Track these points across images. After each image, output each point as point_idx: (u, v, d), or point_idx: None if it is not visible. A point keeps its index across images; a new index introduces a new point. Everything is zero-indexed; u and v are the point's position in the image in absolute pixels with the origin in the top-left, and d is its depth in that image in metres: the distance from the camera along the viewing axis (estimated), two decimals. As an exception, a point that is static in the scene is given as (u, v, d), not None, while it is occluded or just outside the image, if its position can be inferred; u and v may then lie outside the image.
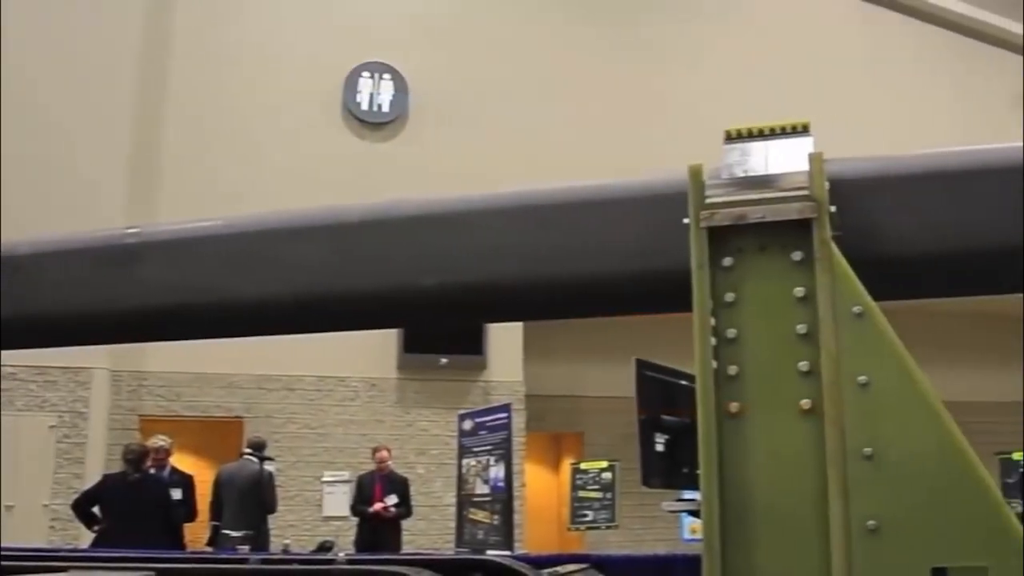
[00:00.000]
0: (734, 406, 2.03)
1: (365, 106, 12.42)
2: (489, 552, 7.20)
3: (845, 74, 12.84)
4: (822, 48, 13.09)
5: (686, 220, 2.11)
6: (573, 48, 12.98)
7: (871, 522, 1.91)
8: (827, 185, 2.06)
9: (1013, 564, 1.85)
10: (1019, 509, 8.21)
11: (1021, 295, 2.58)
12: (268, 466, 9.68)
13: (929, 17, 12.52)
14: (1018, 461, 9.91)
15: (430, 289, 2.52)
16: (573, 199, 2.50)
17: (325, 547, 9.14)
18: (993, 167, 2.44)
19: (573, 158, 11.53)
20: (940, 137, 10.69)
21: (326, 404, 11.70)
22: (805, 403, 1.99)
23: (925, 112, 12.42)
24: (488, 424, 8.75)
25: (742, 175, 2.18)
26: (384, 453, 10.35)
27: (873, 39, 13.27)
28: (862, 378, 1.95)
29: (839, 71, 12.84)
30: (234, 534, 8.66)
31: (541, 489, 14.34)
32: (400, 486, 10.33)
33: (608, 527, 11.63)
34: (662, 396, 4.34)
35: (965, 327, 12.91)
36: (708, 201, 2.11)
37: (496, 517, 8.41)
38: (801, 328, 2.02)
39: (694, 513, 3.47)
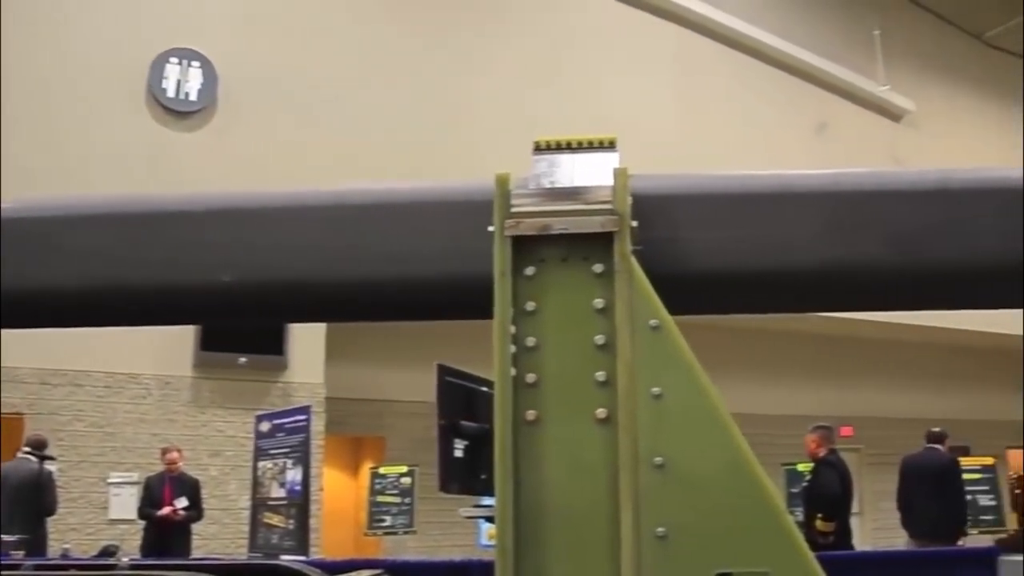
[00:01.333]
0: (531, 413, 2.04)
1: (172, 93, 11.91)
2: (283, 557, 7.06)
3: (656, 93, 13.25)
4: (637, 67, 13.44)
5: (491, 228, 2.11)
6: (389, 43, 12.90)
7: (660, 529, 1.95)
8: (630, 200, 2.10)
9: (792, 568, 1.94)
10: (800, 517, 8.66)
11: (814, 314, 2.71)
12: (48, 465, 9.19)
13: (740, 46, 13.11)
14: (803, 472, 10.42)
15: (228, 286, 2.43)
16: (380, 200, 2.46)
17: (109, 551, 8.72)
18: (792, 191, 2.57)
19: (383, 156, 11.47)
20: (745, 160, 11.19)
21: (115, 402, 11.17)
22: (601, 412, 2.02)
23: (731, 135, 12.93)
24: (287, 426, 8.59)
25: (548, 186, 2.20)
26: (174, 454, 10.00)
27: (686, 62, 13.76)
28: (656, 389, 2.00)
29: (652, 90, 13.24)
30: (8, 538, 8.16)
31: (339, 493, 14.17)
32: (191, 488, 10.00)
33: (406, 532, 11.62)
34: (463, 402, 4.36)
35: (755, 343, 13.51)
36: (514, 210, 2.12)
37: (291, 521, 8.26)
38: (599, 339, 2.05)
39: (491, 519, 3.48)
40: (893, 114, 14.69)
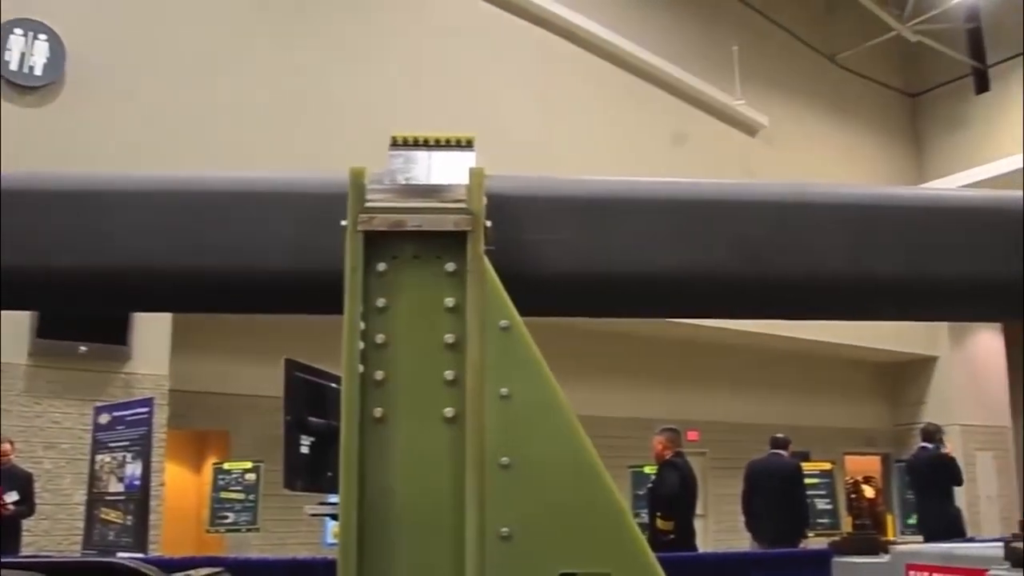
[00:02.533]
0: (378, 411, 2.02)
1: (15, 66, 11.35)
2: (120, 554, 6.82)
3: (518, 95, 13.31)
4: (499, 68, 13.47)
5: (344, 222, 2.08)
6: (247, 29, 12.61)
7: (504, 529, 1.95)
8: (485, 200, 2.10)
9: (633, 569, 1.97)
10: (644, 519, 8.85)
11: (663, 319, 2.75)
12: None
13: (602, 52, 13.29)
14: (649, 474, 10.63)
15: (66, 271, 2.32)
16: (229, 188, 2.39)
17: (-71, 547, 8.28)
18: (646, 198, 2.61)
19: (238, 145, 11.20)
20: (603, 165, 11.36)
21: (-57, 389, 10.61)
22: (448, 412, 2.01)
23: (590, 140, 13.09)
24: (127, 419, 8.32)
25: (404, 182, 2.18)
26: (5, 446, 9.55)
27: (548, 65, 13.86)
28: (504, 390, 2.00)
29: (514, 91, 13.30)
30: None
31: (181, 489, 13.79)
32: (22, 482, 9.57)
33: (249, 530, 11.38)
34: (311, 398, 4.29)
35: (606, 346, 13.74)
36: (367, 205, 2.09)
37: (129, 517, 8.01)
38: (449, 338, 2.04)
39: (336, 517, 3.42)
40: (748, 128, 15.16)
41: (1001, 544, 2.41)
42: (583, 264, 2.43)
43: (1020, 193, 3.17)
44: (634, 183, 2.68)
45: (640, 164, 11.96)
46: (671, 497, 8.42)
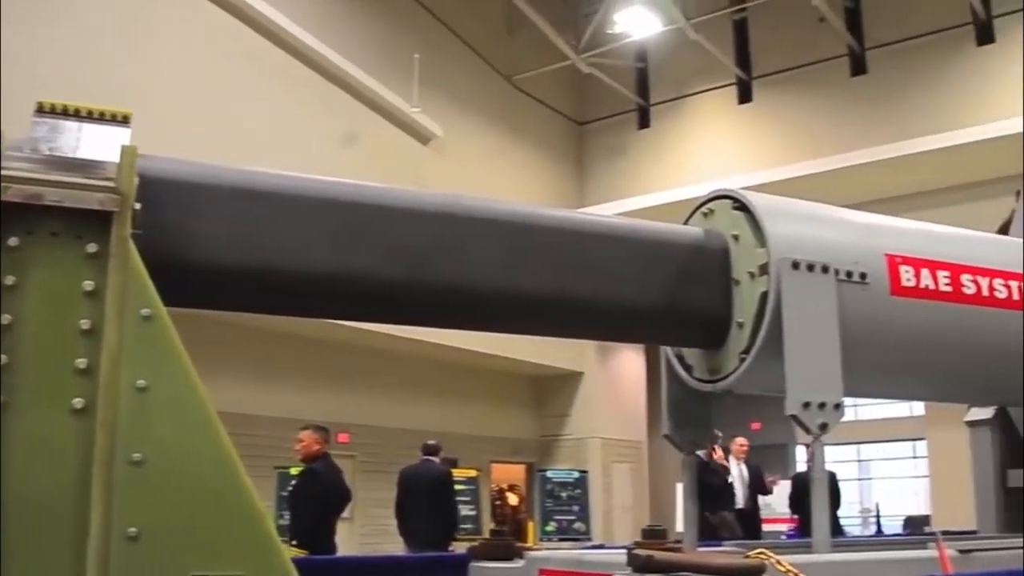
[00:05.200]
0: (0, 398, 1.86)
1: None
2: None
3: (187, 74, 12.63)
4: (169, 45, 12.76)
5: (-25, 188, 1.90)
6: None
7: (132, 529, 1.86)
8: (136, 180, 1.99)
9: (268, 571, 1.94)
10: (285, 521, 8.72)
11: (317, 319, 2.73)
12: None
13: (281, 42, 12.95)
14: (295, 475, 10.45)
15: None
16: None
17: None
18: (307, 195, 2.58)
19: None
20: (269, 157, 11.06)
21: None
22: (78, 402, 1.88)
23: (259, 130, 12.63)
24: None
25: (48, 153, 2.02)
26: None
27: (222, 48, 13.32)
28: (141, 382, 1.90)
29: (182, 70, 12.65)
30: None
31: None
32: None
33: None
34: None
35: (258, 342, 13.33)
36: (4, 173, 1.92)
37: None
38: (85, 324, 1.91)
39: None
40: (422, 136, 15.32)
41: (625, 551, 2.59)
42: (237, 257, 2.36)
43: (669, 226, 3.44)
44: (297, 179, 2.64)
45: (309, 161, 11.76)
46: (312, 499, 8.34)
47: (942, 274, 3.45)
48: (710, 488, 10.93)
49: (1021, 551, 3.21)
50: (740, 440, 11.69)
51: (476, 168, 16.12)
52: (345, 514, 9.69)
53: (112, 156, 2.01)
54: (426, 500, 10.09)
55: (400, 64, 14.96)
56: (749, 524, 11.38)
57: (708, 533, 9.80)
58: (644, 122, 18.46)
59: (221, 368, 11.57)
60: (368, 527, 14.66)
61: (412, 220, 2.75)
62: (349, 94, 13.97)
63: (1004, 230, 4.84)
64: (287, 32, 13.01)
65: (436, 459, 10.60)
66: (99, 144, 2.06)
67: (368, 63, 14.32)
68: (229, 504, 1.95)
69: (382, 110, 14.55)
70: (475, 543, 3.88)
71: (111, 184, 1.96)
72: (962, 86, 14.41)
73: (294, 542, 8.06)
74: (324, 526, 8.43)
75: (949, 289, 3.46)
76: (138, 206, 1.98)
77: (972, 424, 4.83)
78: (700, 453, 10.99)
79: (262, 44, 12.82)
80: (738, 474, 11.52)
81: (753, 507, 11.70)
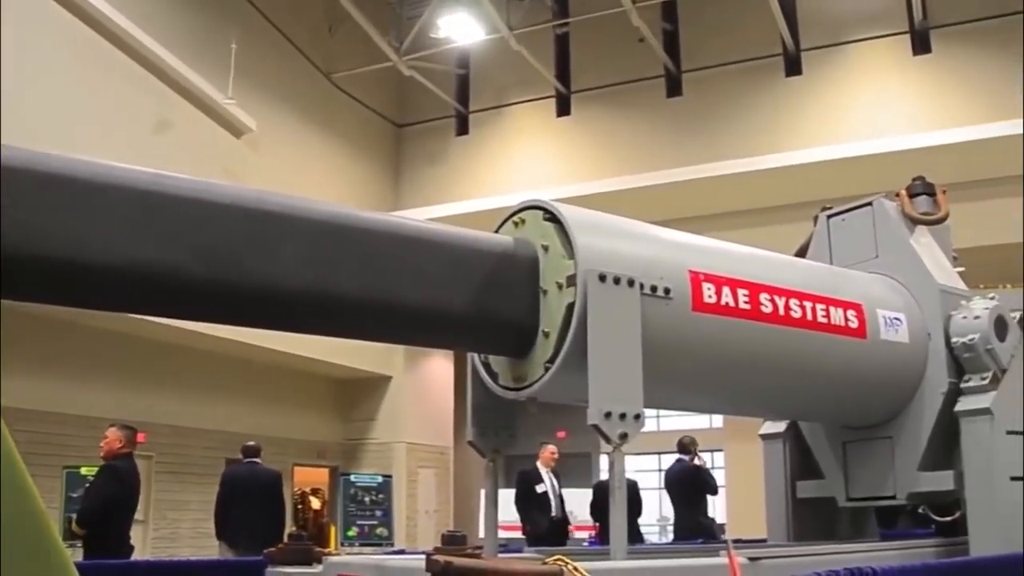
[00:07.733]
0: None
1: None
2: None
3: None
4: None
5: None
6: None
7: None
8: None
9: (47, 572, 1.82)
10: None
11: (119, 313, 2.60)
12: None
13: (87, 17, 12.33)
14: (86, 476, 10.03)
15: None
16: None
17: None
18: (107, 183, 2.45)
19: None
20: (69, 140, 10.52)
21: None
22: None
23: (59, 110, 12.01)
24: None
25: None
26: None
27: (22, 21, 12.61)
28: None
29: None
30: None
31: None
32: None
33: None
34: None
35: (57, 336, 12.66)
36: None
37: None
38: None
39: None
40: (235, 128, 14.88)
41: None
42: (35, 246, 2.23)
43: (480, 233, 3.44)
44: (100, 166, 2.51)
45: (115, 146, 11.29)
46: (96, 502, 8.00)
47: (742, 292, 3.60)
48: (709, 488, 11.26)
49: (807, 558, 3.38)
50: (551, 448, 11.81)
51: (290, 164, 15.84)
52: (139, 516, 9.34)
53: None
54: (259, 502, 9.99)
55: (216, 53, 14.52)
56: (561, 532, 11.61)
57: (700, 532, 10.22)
58: (463, 128, 18.60)
59: (11, 360, 10.93)
60: (163, 530, 14.17)
61: (218, 215, 2.65)
62: (161, 80, 13.43)
63: (801, 252, 5.11)
64: (99, 11, 12.39)
65: (259, 460, 10.49)
66: None
67: (183, 50, 13.81)
68: (7, 505, 1.82)
69: (195, 99, 14.07)
70: (272, 547, 3.78)
71: None
72: (770, 114, 15.13)
73: (77, 543, 7.74)
74: (118, 526, 8.11)
75: (748, 307, 3.60)
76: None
77: (765, 437, 5.07)
78: (697, 461, 11.27)
79: (71, 21, 12.17)
80: (549, 483, 11.63)
81: (563, 516, 11.91)
